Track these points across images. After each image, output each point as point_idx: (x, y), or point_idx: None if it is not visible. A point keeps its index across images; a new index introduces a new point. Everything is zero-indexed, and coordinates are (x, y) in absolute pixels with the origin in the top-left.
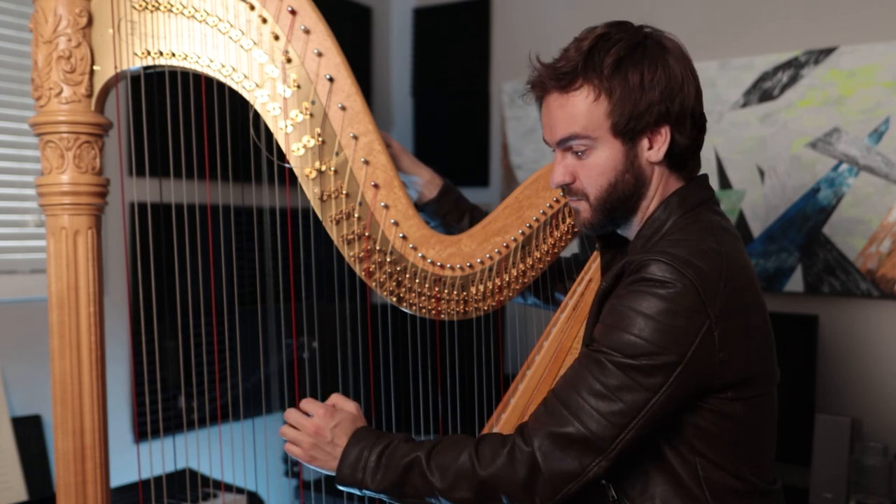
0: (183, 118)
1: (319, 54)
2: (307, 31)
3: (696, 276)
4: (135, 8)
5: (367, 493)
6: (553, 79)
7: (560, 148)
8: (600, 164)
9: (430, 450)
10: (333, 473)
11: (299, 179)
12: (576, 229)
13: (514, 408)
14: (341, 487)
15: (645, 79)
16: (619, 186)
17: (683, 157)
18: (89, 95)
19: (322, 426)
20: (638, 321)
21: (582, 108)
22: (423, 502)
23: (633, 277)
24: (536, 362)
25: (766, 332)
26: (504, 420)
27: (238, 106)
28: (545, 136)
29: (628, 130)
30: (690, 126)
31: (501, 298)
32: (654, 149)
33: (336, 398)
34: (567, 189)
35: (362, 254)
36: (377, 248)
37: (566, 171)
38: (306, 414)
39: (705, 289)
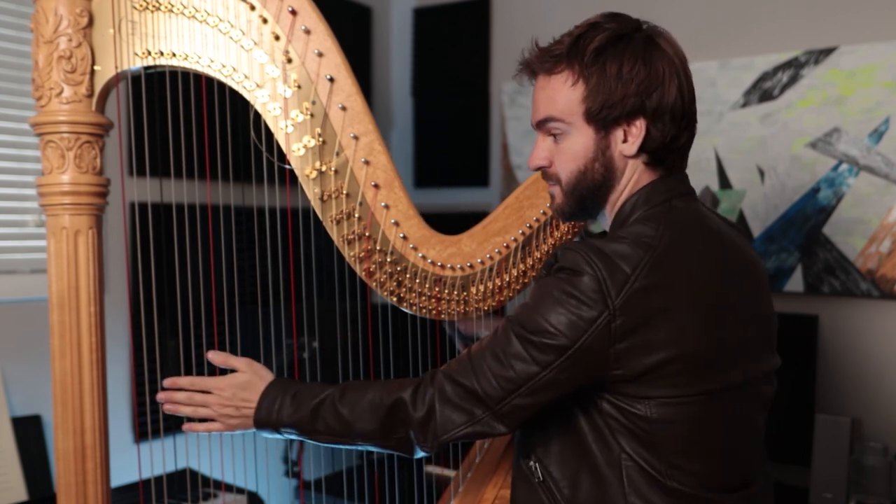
0: (183, 118)
1: (320, 54)
2: (308, 32)
3: (604, 267)
4: (135, 8)
5: (285, 433)
6: (539, 61)
7: (540, 130)
8: (572, 150)
9: (344, 386)
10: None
11: (300, 179)
12: (576, 229)
13: None
14: (261, 432)
15: (623, 70)
16: (588, 175)
17: (660, 154)
18: (90, 95)
19: (229, 395)
20: (544, 303)
21: (561, 91)
22: (333, 439)
23: (555, 265)
24: None
25: (711, 335)
26: None
27: (238, 106)
28: (531, 119)
29: (601, 119)
30: (669, 123)
31: (502, 298)
32: (629, 142)
33: (220, 357)
34: (544, 173)
35: (363, 254)
36: (377, 248)
37: (543, 154)
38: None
39: (613, 281)
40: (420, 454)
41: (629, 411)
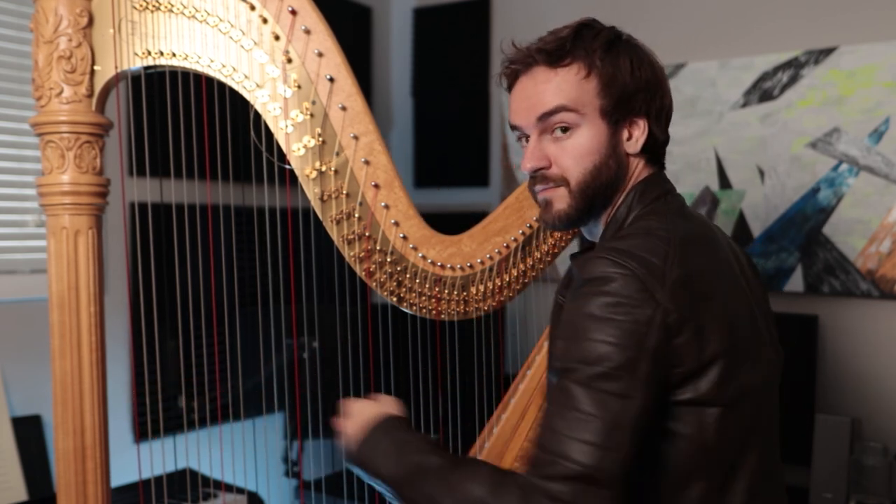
0: (183, 118)
1: (320, 54)
2: (308, 32)
3: (637, 264)
4: (135, 8)
5: (376, 479)
6: (539, 53)
7: (538, 127)
8: (584, 145)
9: (453, 462)
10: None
11: (300, 179)
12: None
13: (514, 408)
14: (350, 467)
15: (634, 65)
16: (603, 172)
17: (659, 153)
18: (90, 95)
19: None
20: (591, 325)
21: (572, 82)
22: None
23: (578, 283)
24: (537, 362)
25: (738, 329)
26: (504, 420)
27: (238, 106)
28: (517, 119)
29: (615, 113)
30: (665, 123)
31: (502, 299)
32: (633, 140)
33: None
34: (540, 177)
35: (363, 254)
36: (377, 248)
37: (542, 154)
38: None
39: (651, 274)
40: None
41: (688, 419)
